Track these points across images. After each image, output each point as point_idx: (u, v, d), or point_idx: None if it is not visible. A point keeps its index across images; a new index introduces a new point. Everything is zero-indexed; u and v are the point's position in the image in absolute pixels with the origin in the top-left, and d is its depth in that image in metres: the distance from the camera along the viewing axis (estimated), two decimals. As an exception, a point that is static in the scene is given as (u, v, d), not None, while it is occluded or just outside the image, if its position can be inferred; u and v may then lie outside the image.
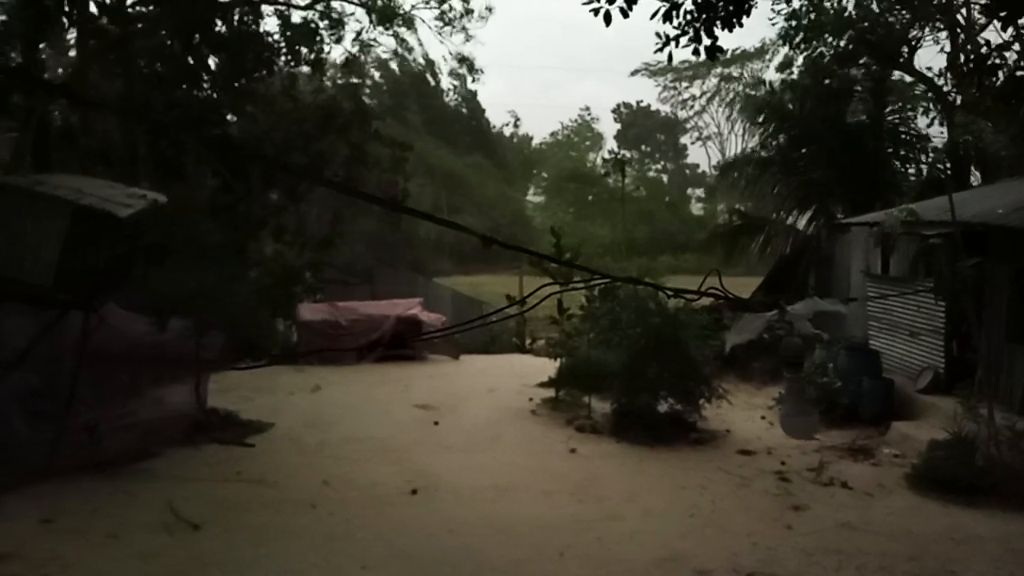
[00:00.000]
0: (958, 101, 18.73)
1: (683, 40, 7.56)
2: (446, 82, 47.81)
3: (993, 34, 18.82)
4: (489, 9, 23.21)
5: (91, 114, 13.71)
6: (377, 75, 41.76)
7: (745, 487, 9.74)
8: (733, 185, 23.75)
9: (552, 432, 12.12)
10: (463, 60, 24.30)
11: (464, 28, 22.24)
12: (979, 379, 10.97)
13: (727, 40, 7.68)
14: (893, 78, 19.80)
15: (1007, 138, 15.13)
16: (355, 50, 21.07)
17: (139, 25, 14.52)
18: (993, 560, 7.50)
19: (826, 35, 18.44)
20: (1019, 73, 10.53)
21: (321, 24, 19.05)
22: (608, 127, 67.58)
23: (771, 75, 53.02)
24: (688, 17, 7.47)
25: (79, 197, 8.58)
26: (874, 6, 18.82)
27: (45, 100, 11.58)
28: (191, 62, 15.10)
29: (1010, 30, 12.12)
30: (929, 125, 19.55)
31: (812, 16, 17.91)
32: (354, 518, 8.25)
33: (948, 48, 19.25)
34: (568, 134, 66.75)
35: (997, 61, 10.70)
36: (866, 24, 18.52)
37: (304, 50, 17.74)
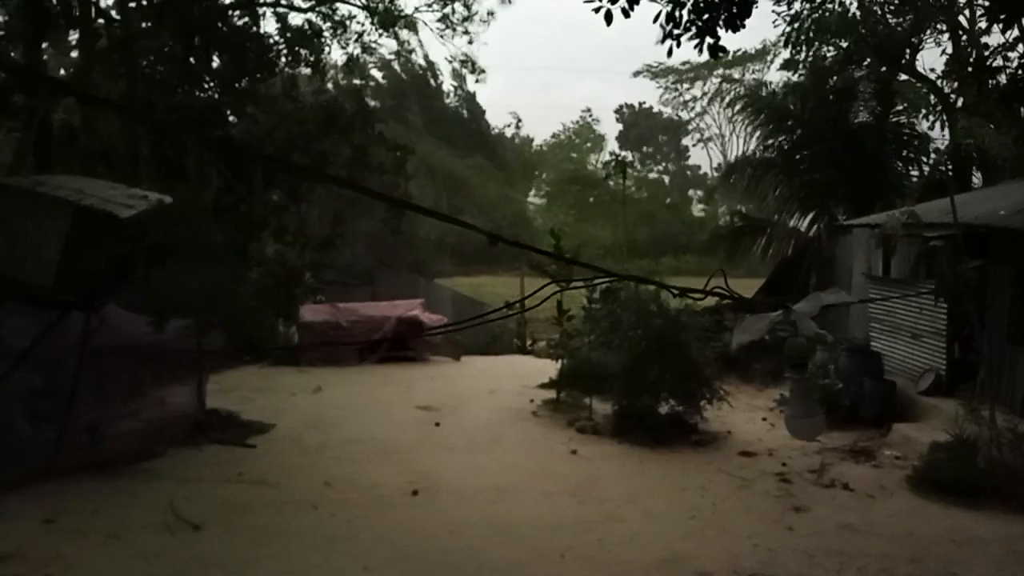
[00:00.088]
0: (959, 103, 18.74)
1: (685, 37, 7.56)
2: (447, 84, 47.95)
3: (995, 36, 18.80)
4: (491, 13, 23.23)
5: (93, 115, 13.72)
6: (379, 76, 41.77)
7: (746, 488, 9.74)
8: (734, 187, 23.76)
9: (553, 433, 12.12)
10: (465, 62, 24.29)
11: (467, 31, 22.26)
12: (981, 381, 10.97)
13: (729, 41, 7.69)
14: (896, 80, 19.79)
15: (1010, 139, 15.11)
16: (357, 52, 21.10)
17: (143, 24, 14.53)
18: (995, 562, 7.49)
19: (829, 37, 18.43)
20: (1021, 73, 10.53)
21: (324, 26, 19.12)
22: (609, 128, 67.65)
23: (772, 76, 53.17)
24: (691, 17, 7.47)
25: (80, 198, 8.59)
26: (876, 8, 18.83)
27: (47, 100, 11.59)
28: (192, 63, 15.12)
29: (1012, 32, 12.13)
30: (930, 127, 19.56)
31: (815, 17, 17.87)
32: (355, 519, 8.26)
33: (950, 50, 19.28)
34: (570, 135, 66.74)
35: (999, 63, 10.72)
36: (868, 27, 18.52)
37: (304, 51, 17.77)
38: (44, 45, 14.05)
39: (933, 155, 19.87)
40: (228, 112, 15.65)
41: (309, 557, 7.20)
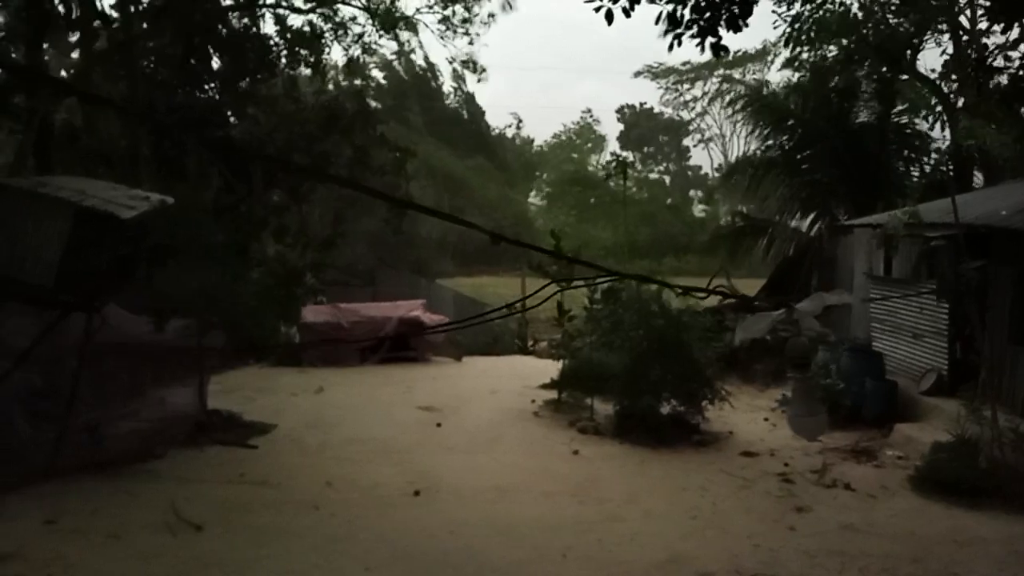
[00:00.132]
0: (960, 103, 18.73)
1: (687, 35, 7.55)
2: (447, 85, 47.97)
3: (995, 36, 18.78)
4: (491, 15, 23.21)
5: (94, 115, 13.73)
6: (380, 76, 41.76)
7: (747, 489, 9.73)
8: (735, 187, 23.76)
9: (554, 434, 12.11)
10: (467, 62, 24.27)
11: (467, 32, 22.26)
12: (982, 381, 10.96)
13: (730, 41, 7.68)
14: (897, 79, 19.79)
15: (1010, 139, 15.11)
16: (357, 53, 21.09)
17: (144, 25, 14.55)
18: (996, 562, 7.49)
19: (830, 37, 18.43)
20: (1022, 74, 10.52)
21: (325, 27, 19.12)
22: (609, 128, 67.68)
23: (773, 77, 53.14)
24: (692, 16, 7.46)
25: (82, 198, 8.59)
26: (876, 8, 18.83)
27: (48, 100, 11.60)
28: (193, 64, 15.13)
29: (1012, 33, 12.11)
30: (930, 128, 19.55)
31: (815, 17, 17.87)
32: (356, 519, 8.26)
33: (951, 50, 19.29)
34: (570, 136, 66.73)
35: (999, 63, 10.71)
36: (869, 26, 18.52)
37: (305, 52, 17.77)
38: (44, 46, 14.04)
39: (934, 155, 19.87)
40: (228, 113, 15.67)
41: (310, 557, 7.20)
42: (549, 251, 7.66)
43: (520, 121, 62.77)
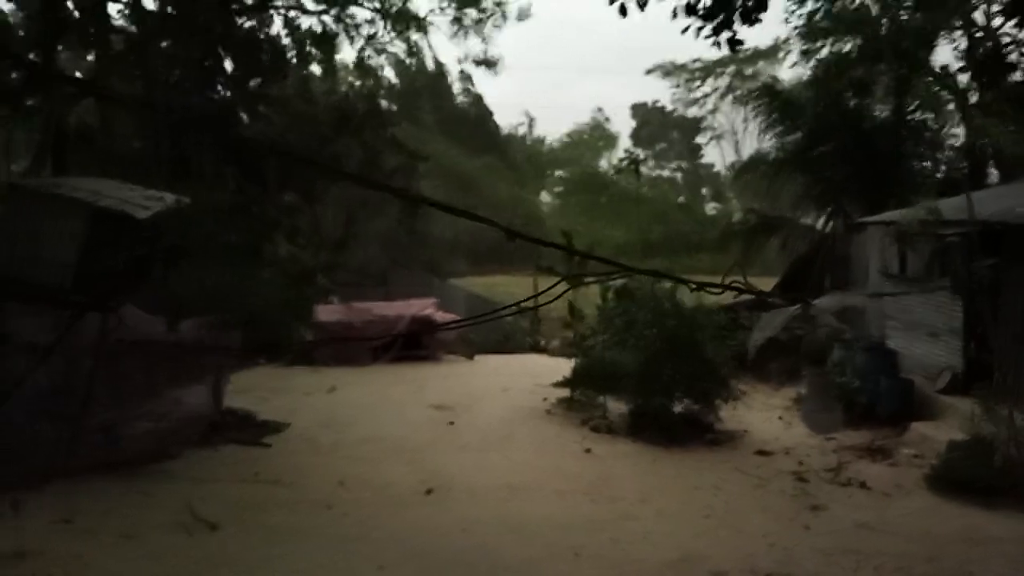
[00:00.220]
0: (973, 99, 18.60)
1: (705, 30, 7.53)
2: (456, 85, 48.00)
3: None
4: (504, 16, 23.21)
5: (110, 116, 13.82)
6: (393, 76, 41.83)
7: (762, 488, 9.70)
8: (747, 185, 23.68)
9: (567, 432, 12.12)
10: (480, 62, 24.29)
11: (481, 33, 22.32)
12: (997, 380, 10.88)
13: (743, 36, 7.65)
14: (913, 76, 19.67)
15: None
16: (369, 53, 21.16)
17: (158, 27, 14.63)
18: (1011, 561, 7.45)
19: (843, 32, 18.36)
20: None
21: (336, 27, 19.19)
22: (615, 127, 67.36)
23: (785, 73, 52.86)
24: (707, 11, 7.44)
25: (97, 199, 8.65)
26: (891, 3, 18.72)
27: (64, 101, 11.69)
28: (206, 65, 15.21)
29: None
30: (941, 127, 19.41)
31: (828, 11, 17.81)
32: (369, 518, 8.29)
33: (964, 46, 19.13)
34: (584, 135, 66.58)
35: (1014, 59, 10.62)
36: (883, 22, 18.43)
37: (316, 51, 17.84)
38: (60, 49, 14.15)
39: (949, 152, 19.73)
40: (242, 113, 15.74)
41: (323, 556, 7.23)
42: (563, 247, 7.63)
43: (532, 120, 62.77)
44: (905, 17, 18.82)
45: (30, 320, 8.86)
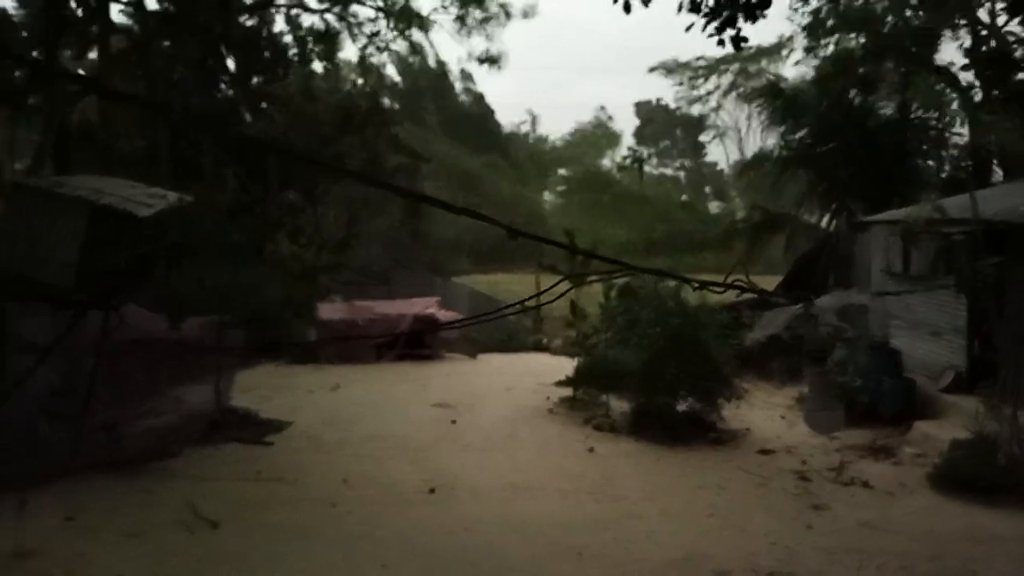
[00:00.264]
0: (977, 98, 18.57)
1: (710, 28, 7.53)
2: (458, 84, 48.05)
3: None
4: (508, 14, 23.21)
5: (111, 115, 13.83)
6: (396, 75, 41.85)
7: (764, 486, 9.69)
8: (751, 183, 23.67)
9: (569, 431, 12.10)
10: (484, 60, 24.27)
11: (484, 31, 22.31)
12: (1001, 378, 10.85)
13: (746, 34, 7.64)
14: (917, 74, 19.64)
15: (1027, 136, 14.95)
16: (372, 52, 21.15)
17: (161, 23, 14.65)
18: (1014, 560, 7.44)
19: (848, 30, 18.33)
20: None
21: (338, 25, 19.19)
22: (619, 126, 67.36)
23: (789, 71, 52.75)
24: (711, 8, 7.44)
25: (98, 197, 8.66)
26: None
27: (66, 99, 11.70)
28: (209, 63, 15.23)
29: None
30: (944, 127, 19.37)
31: (833, 8, 17.78)
32: (373, 517, 8.27)
33: (968, 44, 19.10)
34: (588, 134, 66.55)
35: (1018, 57, 10.59)
36: (888, 19, 18.40)
37: (318, 49, 17.84)
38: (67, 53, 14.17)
39: (953, 151, 19.70)
40: (244, 111, 15.76)
41: (327, 554, 7.22)
42: (566, 245, 7.61)
43: (535, 119, 62.80)
44: (909, 14, 18.79)
45: (31, 319, 8.86)
